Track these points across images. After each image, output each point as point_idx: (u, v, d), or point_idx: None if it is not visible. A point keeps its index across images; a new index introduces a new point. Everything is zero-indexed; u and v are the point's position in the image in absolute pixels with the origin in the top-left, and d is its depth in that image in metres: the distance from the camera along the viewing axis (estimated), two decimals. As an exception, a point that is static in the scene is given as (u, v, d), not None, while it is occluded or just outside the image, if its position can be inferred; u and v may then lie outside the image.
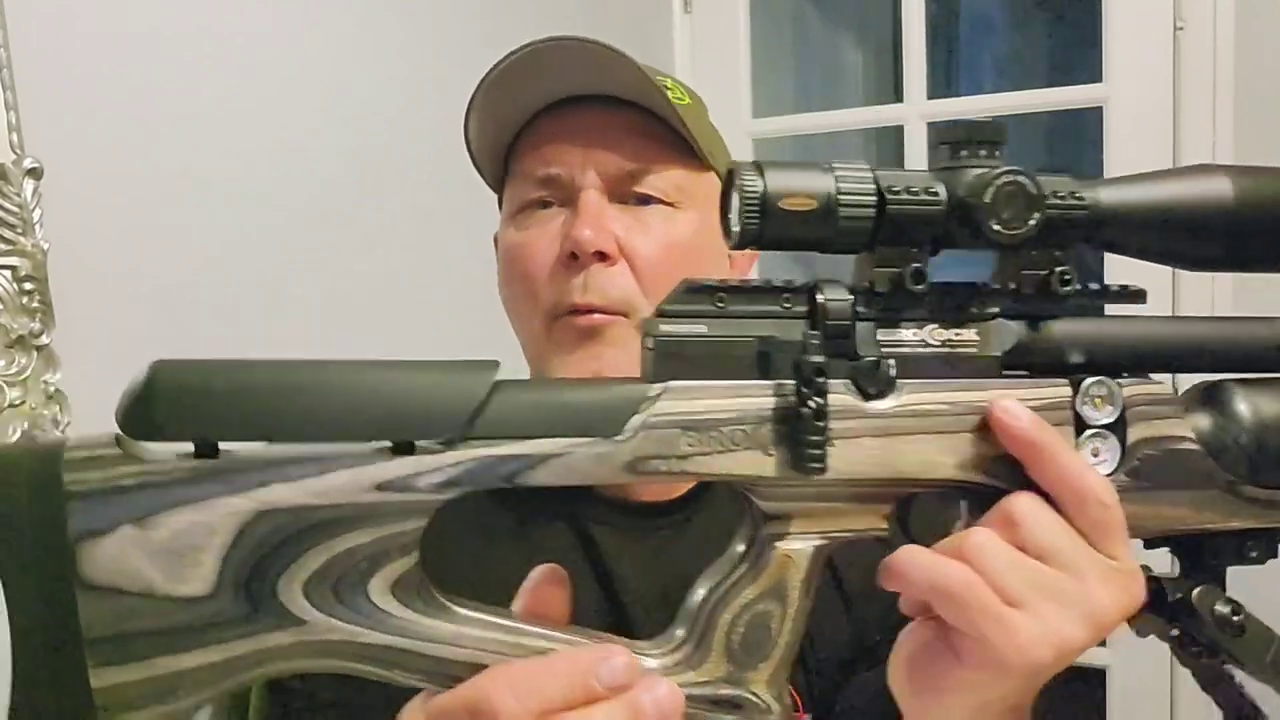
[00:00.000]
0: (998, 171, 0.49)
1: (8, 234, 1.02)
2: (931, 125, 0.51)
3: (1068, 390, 0.52)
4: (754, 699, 0.50)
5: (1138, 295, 0.54)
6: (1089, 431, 0.52)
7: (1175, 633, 0.55)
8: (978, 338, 0.52)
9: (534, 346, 0.79)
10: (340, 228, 1.43)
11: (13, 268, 1.03)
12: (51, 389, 1.05)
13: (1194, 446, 0.53)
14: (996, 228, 0.49)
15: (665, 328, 0.49)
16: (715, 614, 0.50)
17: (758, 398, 0.49)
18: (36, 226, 1.04)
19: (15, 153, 1.03)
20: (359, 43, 1.46)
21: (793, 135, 2.28)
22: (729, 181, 0.49)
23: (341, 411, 0.44)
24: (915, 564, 0.49)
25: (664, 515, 0.80)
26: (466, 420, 0.45)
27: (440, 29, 1.60)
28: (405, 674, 0.45)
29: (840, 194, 0.48)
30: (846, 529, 0.51)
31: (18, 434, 1.02)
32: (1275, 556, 0.56)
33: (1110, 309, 0.55)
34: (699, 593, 0.51)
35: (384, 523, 0.44)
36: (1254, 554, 0.55)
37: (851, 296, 0.50)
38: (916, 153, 2.02)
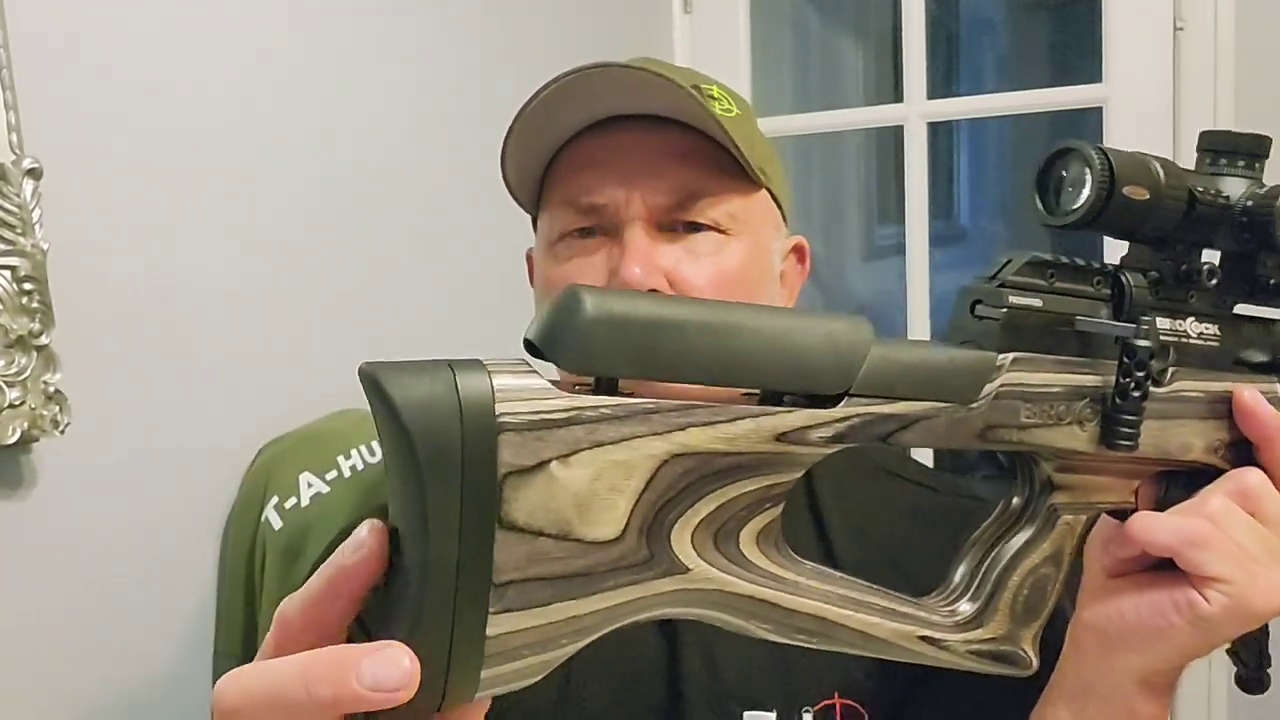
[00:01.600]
0: None
1: (8, 234, 1.02)
2: (1204, 134, 0.54)
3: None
4: (1023, 654, 0.53)
5: None
6: None
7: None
8: (1220, 333, 0.58)
9: None
10: (342, 228, 1.43)
11: (13, 268, 1.03)
12: (51, 389, 1.05)
13: None
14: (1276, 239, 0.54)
15: (1014, 299, 0.52)
16: (1005, 576, 0.53)
17: (1083, 374, 0.52)
18: (36, 226, 1.04)
19: (15, 153, 1.03)
20: (365, 44, 1.46)
21: (793, 135, 2.28)
22: (1062, 159, 0.54)
23: (756, 359, 0.44)
24: (1161, 521, 0.54)
25: None
26: (855, 376, 0.46)
27: (443, 30, 1.60)
28: (760, 624, 0.45)
29: (1167, 188, 0.53)
30: (1106, 501, 0.55)
31: (17, 434, 1.02)
32: None
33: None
34: (980, 555, 0.54)
35: (772, 471, 0.44)
36: None
37: (1147, 284, 0.55)
38: (916, 152, 2.02)
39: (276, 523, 1.25)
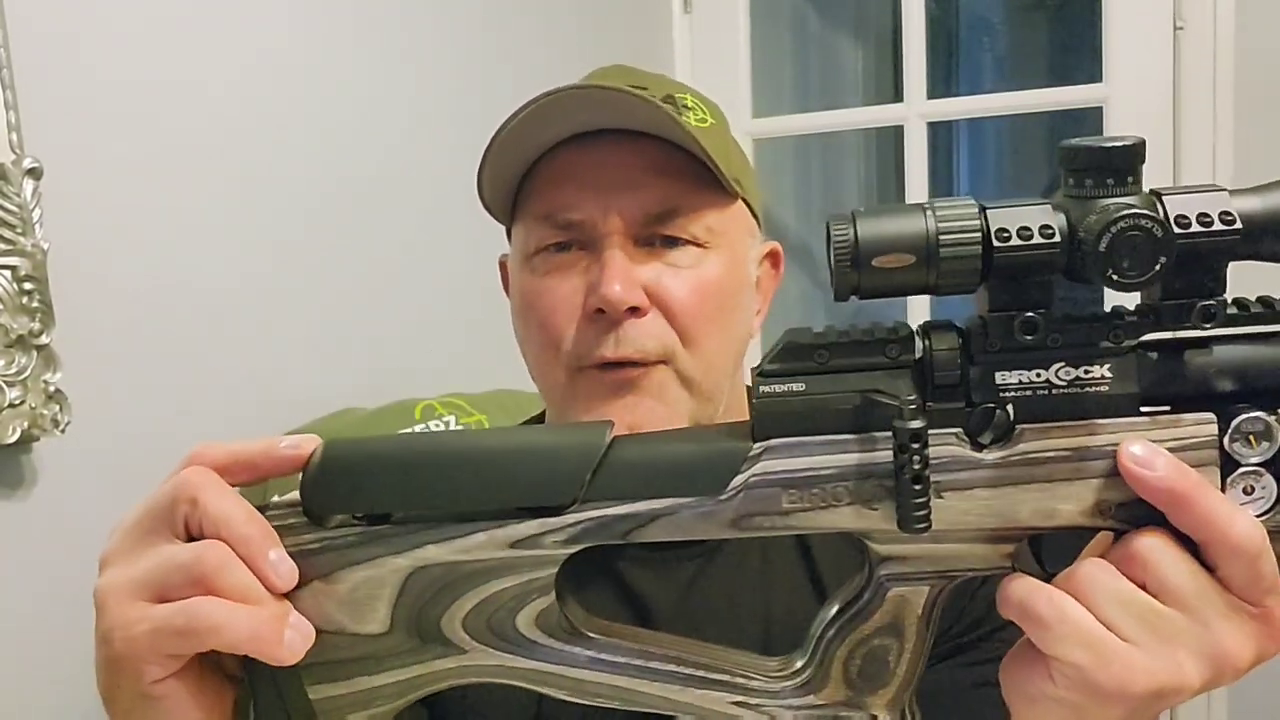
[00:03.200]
0: (1116, 215, 0.44)
1: (8, 234, 1.02)
2: (1064, 147, 0.46)
3: (1213, 428, 0.47)
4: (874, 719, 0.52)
5: None
6: (1240, 469, 0.47)
7: None
8: (1110, 374, 0.48)
9: (555, 395, 0.77)
10: (342, 228, 1.43)
11: (13, 268, 1.03)
12: (51, 389, 1.05)
13: None
14: (1115, 277, 0.44)
15: (764, 388, 0.50)
16: (832, 646, 0.51)
17: (858, 453, 0.48)
18: (36, 226, 1.04)
19: (15, 153, 1.03)
20: (365, 45, 1.46)
21: (793, 135, 2.28)
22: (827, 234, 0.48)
23: (480, 483, 0.51)
24: (1011, 592, 0.49)
25: (702, 543, 0.79)
26: (583, 485, 0.50)
27: (443, 30, 1.60)
28: (554, 690, 0.52)
29: (941, 243, 0.46)
30: (967, 568, 0.50)
31: (17, 434, 1.02)
32: None
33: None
34: (819, 621, 0.52)
35: (521, 572, 0.51)
36: None
37: (960, 341, 0.48)
38: (916, 152, 2.02)
39: (277, 523, 1.25)
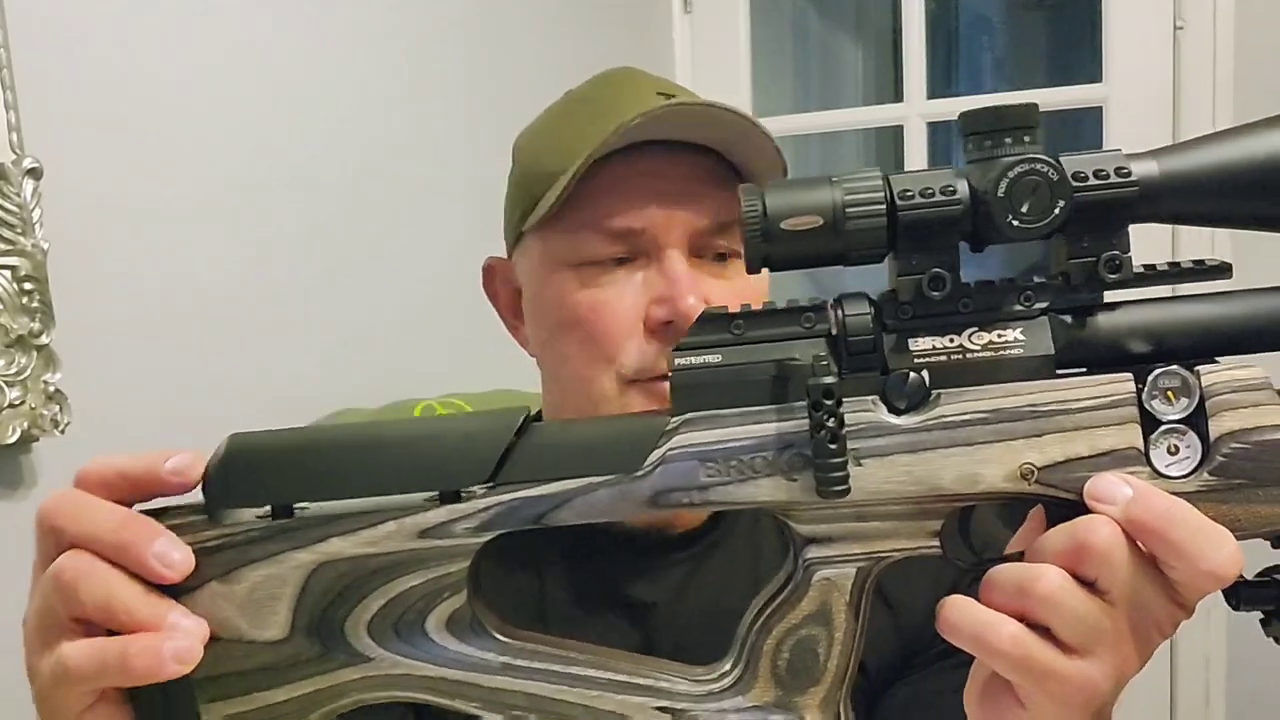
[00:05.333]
0: (1011, 160, 0.45)
1: (8, 234, 1.02)
2: (963, 114, 0.47)
3: (1130, 385, 0.47)
4: None
5: (1219, 270, 0.48)
6: (1162, 428, 0.47)
7: None
8: (1024, 337, 0.48)
9: (600, 407, 0.74)
10: (343, 228, 1.43)
11: (13, 268, 1.03)
12: (51, 389, 1.05)
13: None
14: (1016, 223, 0.46)
15: (680, 360, 0.49)
16: (759, 640, 0.50)
17: (776, 423, 0.48)
18: (36, 226, 1.04)
19: (15, 153, 1.03)
20: (366, 45, 1.46)
21: (793, 135, 2.28)
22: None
23: (389, 469, 0.49)
24: (963, 620, 0.47)
25: (693, 543, 0.79)
26: (494, 467, 0.48)
27: (443, 29, 1.60)
28: (465, 702, 0.49)
29: (847, 207, 0.46)
30: (894, 549, 0.49)
31: (17, 434, 1.02)
32: None
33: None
34: (746, 618, 0.51)
35: (432, 566, 0.48)
36: None
37: (873, 309, 0.48)
38: (917, 152, 2.02)
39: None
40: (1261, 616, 0.50)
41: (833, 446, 0.46)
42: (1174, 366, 0.47)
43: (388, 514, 0.48)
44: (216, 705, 0.48)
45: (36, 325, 1.04)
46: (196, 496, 0.49)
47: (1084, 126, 2.12)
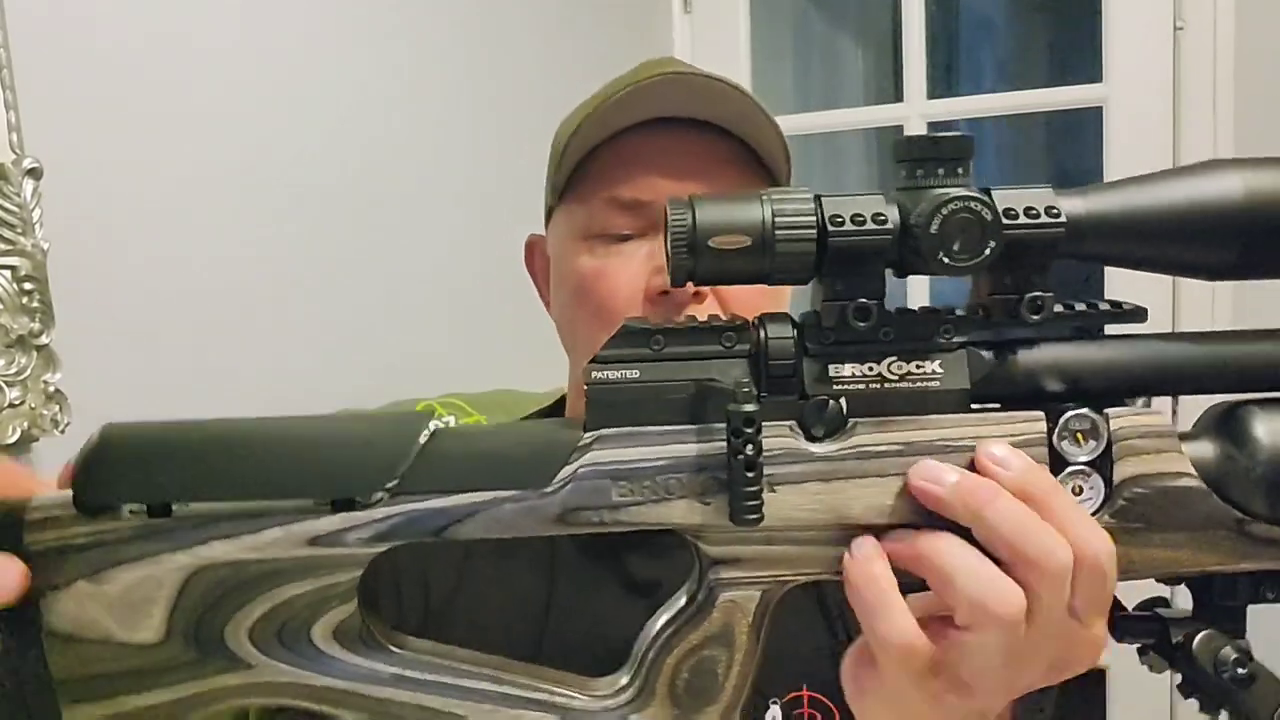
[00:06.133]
0: (946, 197, 0.45)
1: (8, 234, 1.02)
2: (897, 141, 0.46)
3: (1042, 425, 0.47)
4: None
5: (1134, 314, 0.48)
6: (1069, 469, 0.47)
7: (1179, 678, 0.50)
8: (941, 370, 0.47)
9: None
10: (344, 228, 1.43)
11: (13, 268, 1.03)
12: (51, 389, 1.05)
13: (1194, 483, 0.47)
14: (946, 260, 0.45)
15: (597, 374, 0.48)
16: (660, 657, 0.49)
17: (692, 444, 0.47)
18: (36, 226, 1.04)
19: (15, 153, 1.03)
20: (366, 45, 1.46)
21: (793, 135, 2.28)
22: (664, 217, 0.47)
23: (279, 471, 0.46)
24: (894, 642, 0.46)
25: None
26: (394, 477, 0.46)
27: (443, 29, 1.60)
28: (352, 713, 0.47)
29: (777, 228, 0.45)
30: (800, 572, 0.48)
31: (17, 434, 1.02)
32: None
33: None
34: (645, 634, 0.50)
35: (320, 574, 0.46)
36: (1271, 596, 0.49)
37: (795, 333, 0.48)
38: (916, 153, 2.01)
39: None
40: (1139, 647, 0.51)
41: (750, 474, 0.45)
42: (1085, 410, 0.47)
43: (274, 518, 0.46)
44: (81, 707, 0.46)
45: (36, 325, 1.04)
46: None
47: (1084, 127, 2.12)
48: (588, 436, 0.47)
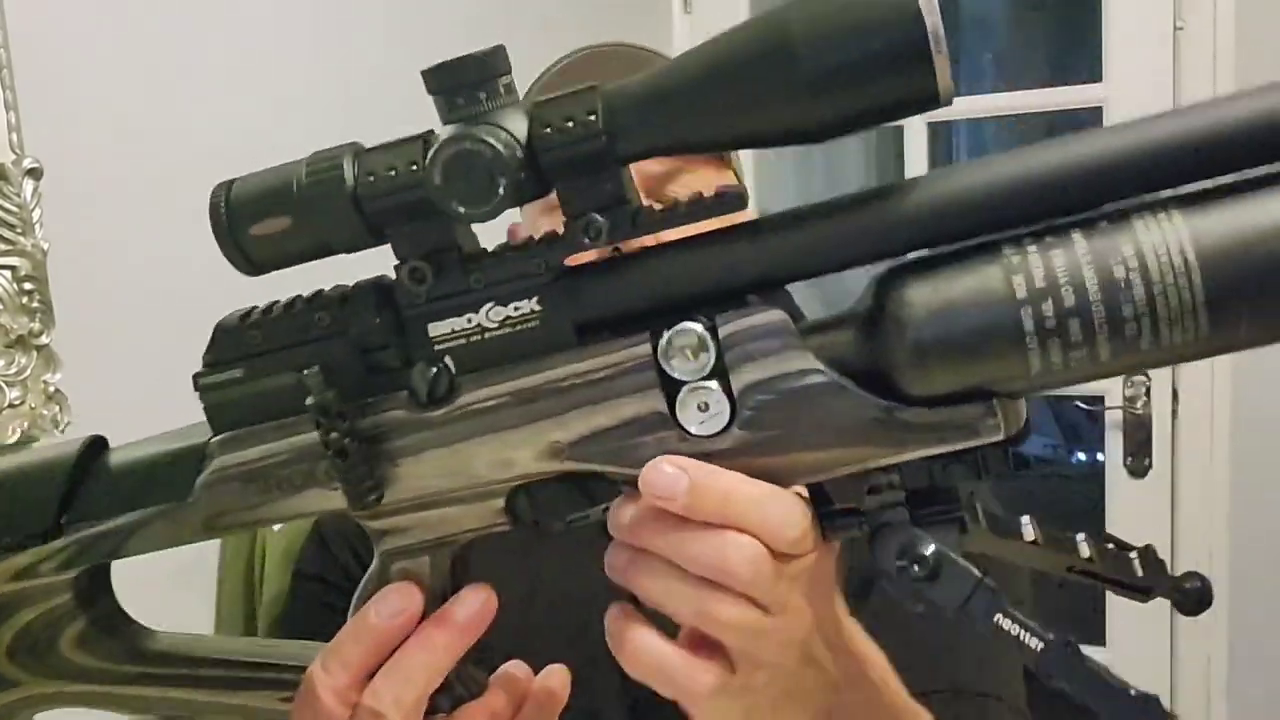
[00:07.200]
0: (441, 141, 0.41)
1: (8, 234, 1.02)
2: (423, 72, 0.44)
3: (646, 348, 0.42)
4: None
5: (729, 202, 0.43)
6: (687, 387, 0.42)
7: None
8: (540, 307, 0.43)
9: None
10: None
11: (13, 268, 1.03)
12: (51, 389, 1.05)
13: (821, 379, 0.41)
14: (463, 209, 0.41)
15: (204, 380, 0.47)
16: None
17: (303, 433, 0.45)
18: (36, 226, 1.04)
19: (15, 153, 1.03)
20: (365, 45, 1.46)
21: (793, 135, 2.28)
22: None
23: None
24: (631, 646, 0.44)
25: None
26: (54, 516, 0.49)
27: (442, 29, 1.60)
28: (124, 710, 0.52)
29: (311, 200, 0.44)
30: (465, 530, 0.46)
31: (17, 434, 1.02)
32: (988, 475, 0.43)
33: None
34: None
35: (37, 603, 0.50)
36: (955, 477, 0.43)
37: (381, 298, 0.46)
38: (917, 152, 2.02)
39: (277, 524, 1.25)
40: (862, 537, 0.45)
41: (344, 461, 0.43)
42: (685, 324, 0.42)
43: None
44: None
45: (36, 325, 1.04)
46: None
47: (1084, 127, 2.12)
48: (212, 443, 0.47)
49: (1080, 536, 0.43)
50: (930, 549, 0.41)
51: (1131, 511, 1.79)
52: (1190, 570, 0.43)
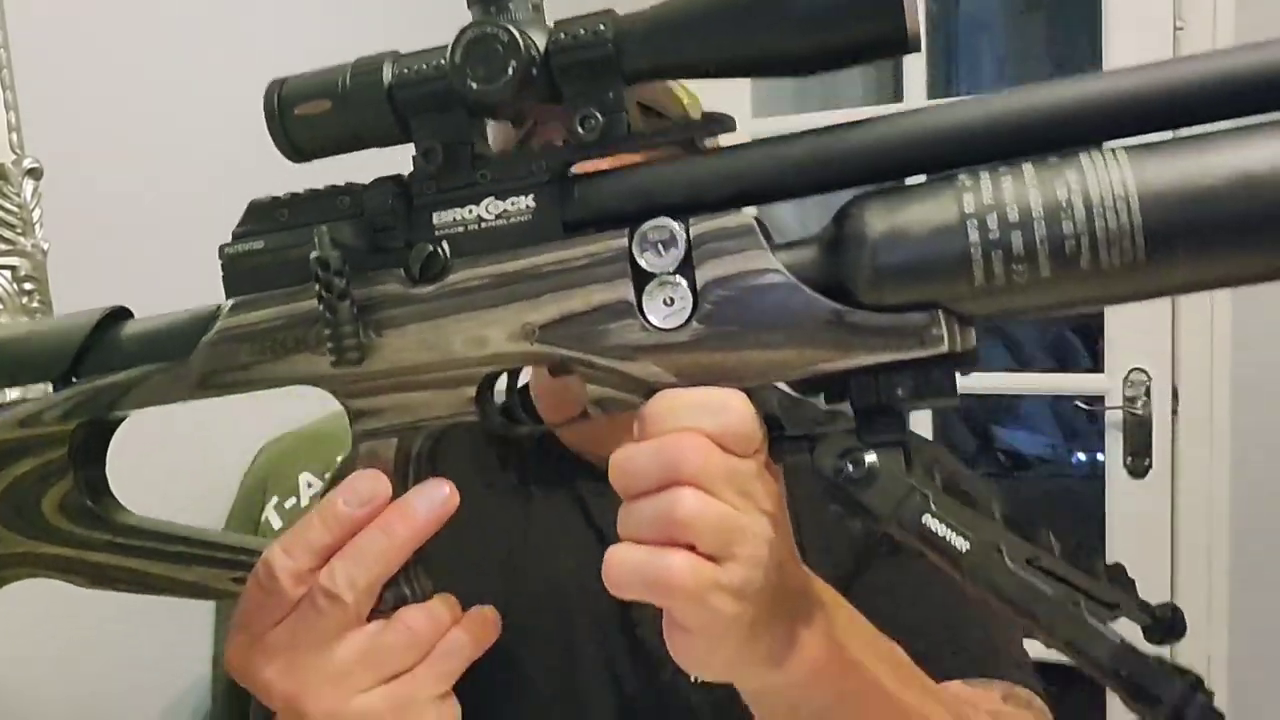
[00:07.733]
0: (466, 27, 0.47)
1: (8, 234, 1.03)
2: None
3: (623, 241, 0.47)
4: None
5: (718, 123, 0.48)
6: (655, 279, 0.46)
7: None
8: (534, 203, 0.48)
9: None
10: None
11: (13, 268, 1.03)
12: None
13: (779, 279, 0.45)
14: (475, 85, 0.47)
15: (228, 249, 0.53)
16: None
17: (305, 301, 0.50)
18: (36, 226, 1.04)
19: (15, 153, 1.03)
20: (361, 45, 1.46)
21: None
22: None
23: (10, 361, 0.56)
24: (628, 574, 0.45)
25: None
26: (69, 363, 0.54)
27: (440, 29, 1.60)
28: (76, 578, 0.55)
29: (351, 90, 0.49)
30: (434, 416, 0.50)
31: (18, 434, 1.03)
32: (932, 395, 0.44)
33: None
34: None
35: (36, 452, 0.54)
36: (901, 392, 0.44)
37: (398, 187, 0.51)
38: (916, 153, 2.02)
39: (277, 522, 1.25)
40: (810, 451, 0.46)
41: (335, 314, 0.48)
42: (661, 220, 0.46)
43: None
44: None
45: (36, 325, 1.04)
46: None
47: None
48: (224, 306, 0.52)
49: (1051, 535, 0.43)
50: (871, 456, 0.43)
51: (1131, 511, 1.78)
52: (1167, 602, 0.44)
